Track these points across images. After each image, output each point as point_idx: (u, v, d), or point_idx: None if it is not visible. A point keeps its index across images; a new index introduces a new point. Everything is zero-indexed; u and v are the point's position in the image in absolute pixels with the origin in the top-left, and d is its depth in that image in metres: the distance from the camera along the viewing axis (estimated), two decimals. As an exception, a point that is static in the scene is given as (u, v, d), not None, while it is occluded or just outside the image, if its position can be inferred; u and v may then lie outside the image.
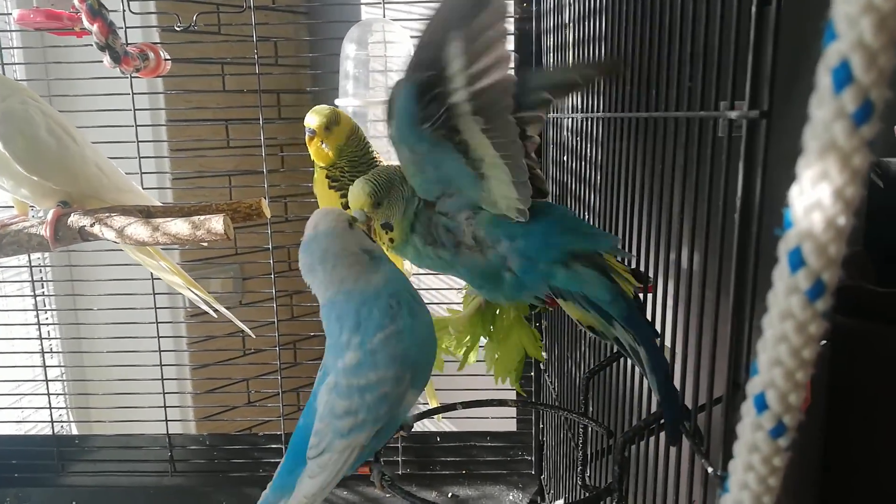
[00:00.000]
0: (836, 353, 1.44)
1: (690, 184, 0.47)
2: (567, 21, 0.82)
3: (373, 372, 0.52)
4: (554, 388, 1.01)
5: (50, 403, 1.17)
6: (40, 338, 1.16)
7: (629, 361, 0.65)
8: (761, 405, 0.26)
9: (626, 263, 0.62)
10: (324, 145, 0.81)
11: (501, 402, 0.71)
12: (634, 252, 0.61)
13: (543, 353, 1.10)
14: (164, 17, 1.11)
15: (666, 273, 0.57)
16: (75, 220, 0.82)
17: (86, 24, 0.84)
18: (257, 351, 1.21)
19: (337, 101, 0.97)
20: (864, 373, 1.64)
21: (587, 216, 0.77)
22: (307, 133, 0.82)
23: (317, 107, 0.82)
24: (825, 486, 1.51)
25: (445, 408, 0.70)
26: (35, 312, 1.16)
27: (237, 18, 1.05)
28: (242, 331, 1.02)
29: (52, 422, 1.18)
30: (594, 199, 0.75)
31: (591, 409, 0.74)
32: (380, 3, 1.01)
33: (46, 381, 1.17)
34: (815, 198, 0.21)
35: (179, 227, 0.77)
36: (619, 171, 0.64)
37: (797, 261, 0.23)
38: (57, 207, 0.83)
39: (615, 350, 0.66)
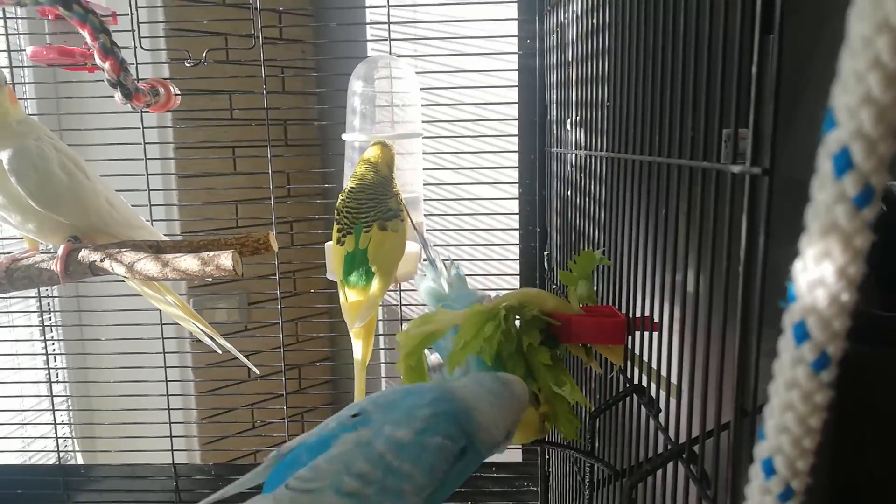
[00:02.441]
0: (842, 378, 1.44)
1: (695, 229, 0.47)
2: (571, 59, 0.84)
3: (410, 464, 0.49)
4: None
5: (56, 432, 1.17)
6: (48, 367, 1.17)
7: (636, 399, 0.65)
8: (769, 470, 0.26)
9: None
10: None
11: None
12: (639, 289, 0.61)
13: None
14: (173, 52, 1.13)
15: (671, 313, 0.57)
16: (86, 255, 0.83)
17: (98, 61, 0.85)
18: (262, 377, 1.21)
19: (343, 136, 0.98)
20: (870, 398, 1.63)
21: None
22: None
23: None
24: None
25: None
26: (42, 340, 1.17)
27: (247, 55, 1.07)
28: (248, 356, 1.03)
29: (58, 451, 1.18)
30: (598, 235, 0.75)
31: (597, 444, 0.74)
32: (386, 40, 1.03)
33: (53, 410, 1.17)
34: (818, 275, 0.22)
35: (189, 263, 0.78)
36: (622, 209, 0.65)
37: (802, 334, 0.23)
38: (68, 242, 0.84)
39: (622, 388, 0.67)
